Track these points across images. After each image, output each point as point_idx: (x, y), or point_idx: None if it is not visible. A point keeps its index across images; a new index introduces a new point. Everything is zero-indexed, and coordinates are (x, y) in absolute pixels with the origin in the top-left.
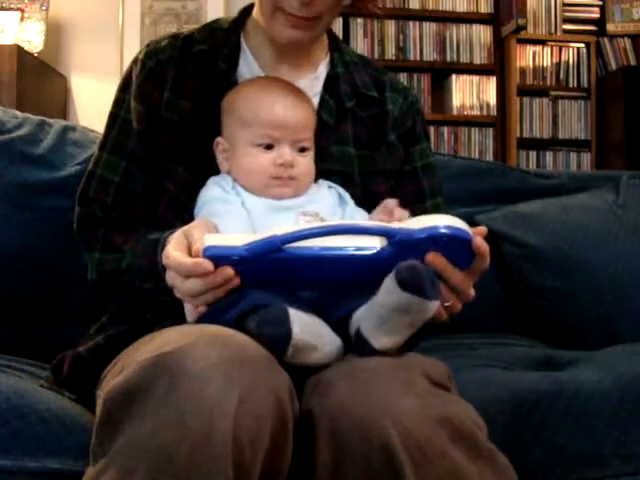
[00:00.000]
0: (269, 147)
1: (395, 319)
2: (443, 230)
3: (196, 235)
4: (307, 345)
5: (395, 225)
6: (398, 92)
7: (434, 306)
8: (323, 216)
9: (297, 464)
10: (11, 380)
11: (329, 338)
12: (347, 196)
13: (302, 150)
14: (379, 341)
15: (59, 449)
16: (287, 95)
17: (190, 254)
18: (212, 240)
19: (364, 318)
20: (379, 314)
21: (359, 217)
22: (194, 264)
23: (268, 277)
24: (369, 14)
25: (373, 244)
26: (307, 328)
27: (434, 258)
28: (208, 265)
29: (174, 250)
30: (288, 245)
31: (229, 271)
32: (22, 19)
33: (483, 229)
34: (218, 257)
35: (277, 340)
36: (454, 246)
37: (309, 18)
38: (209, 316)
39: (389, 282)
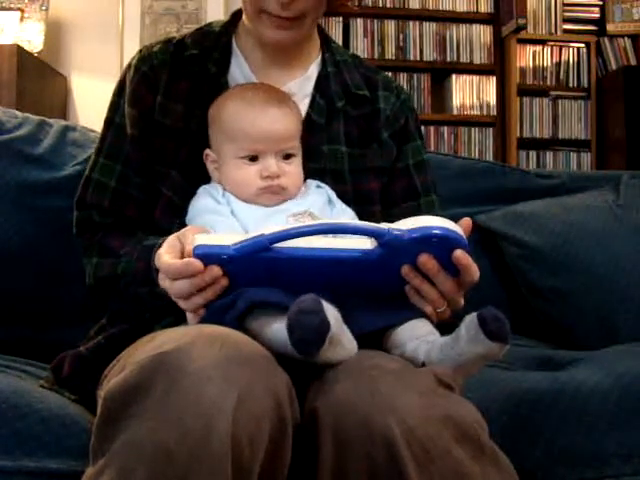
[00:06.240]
0: (254, 159)
1: (472, 363)
2: (435, 231)
3: (189, 238)
4: (337, 338)
5: (385, 225)
6: (391, 91)
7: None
8: (312, 211)
9: (302, 462)
10: (11, 380)
11: (349, 334)
12: (334, 196)
13: (287, 157)
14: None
15: (59, 449)
16: (270, 107)
17: (183, 257)
18: (202, 240)
19: (438, 360)
20: (457, 360)
21: (346, 218)
22: (184, 264)
23: (257, 278)
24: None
25: (363, 245)
26: (336, 319)
27: (427, 261)
28: (198, 264)
29: (166, 253)
30: (277, 245)
31: (216, 270)
32: (22, 19)
33: (468, 221)
34: (208, 256)
35: (318, 330)
36: (445, 250)
37: (292, 18)
38: (209, 318)
39: (473, 332)
